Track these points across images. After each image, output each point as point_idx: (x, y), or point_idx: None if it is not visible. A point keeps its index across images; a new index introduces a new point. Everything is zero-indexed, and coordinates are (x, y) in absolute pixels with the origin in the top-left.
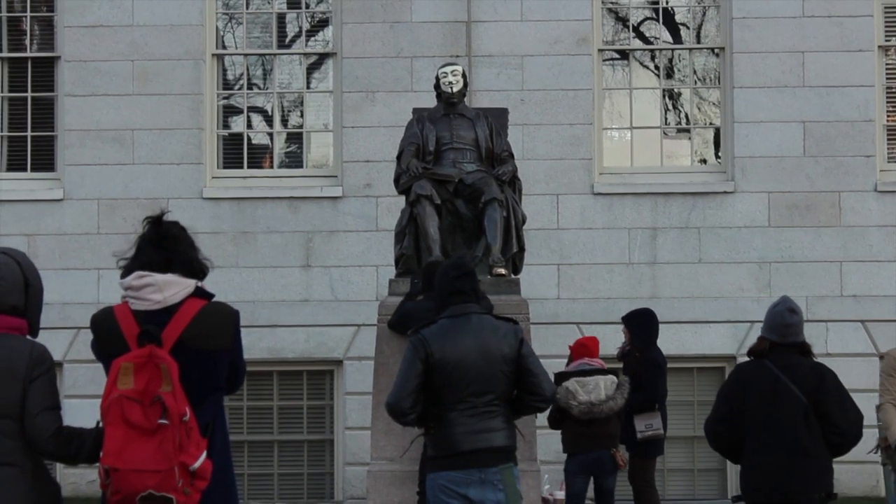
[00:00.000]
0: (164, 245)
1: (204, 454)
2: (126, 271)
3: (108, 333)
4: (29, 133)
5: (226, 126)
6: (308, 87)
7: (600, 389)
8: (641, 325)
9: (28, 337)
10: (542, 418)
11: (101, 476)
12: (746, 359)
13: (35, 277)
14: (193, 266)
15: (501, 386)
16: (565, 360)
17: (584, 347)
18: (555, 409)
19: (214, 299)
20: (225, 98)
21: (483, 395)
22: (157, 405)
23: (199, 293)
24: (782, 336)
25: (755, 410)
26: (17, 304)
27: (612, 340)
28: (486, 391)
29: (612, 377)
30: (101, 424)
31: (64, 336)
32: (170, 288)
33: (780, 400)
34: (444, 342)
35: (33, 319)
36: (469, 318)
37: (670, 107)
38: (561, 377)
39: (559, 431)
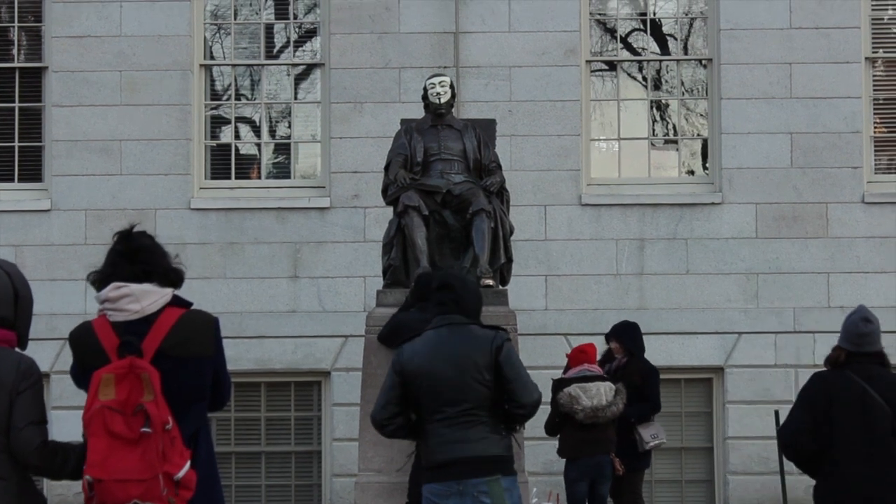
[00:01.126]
0: (139, 258)
1: (188, 463)
2: (101, 285)
3: (87, 348)
4: (16, 143)
5: (213, 136)
6: (296, 98)
7: (602, 395)
8: (634, 336)
9: (16, 349)
10: (532, 428)
11: (84, 489)
12: (734, 370)
13: (25, 289)
14: (170, 275)
15: (477, 395)
16: (553, 371)
17: (584, 354)
18: (554, 414)
19: (193, 307)
20: (213, 108)
21: (457, 405)
22: (139, 415)
23: (177, 302)
24: (857, 345)
25: (842, 421)
26: (6, 316)
27: (600, 352)
28: (460, 400)
29: (609, 384)
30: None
31: (51, 347)
32: (147, 297)
33: (869, 410)
34: (415, 354)
35: (22, 331)
36: (449, 328)
37: (658, 118)
38: (561, 383)
39: (554, 440)
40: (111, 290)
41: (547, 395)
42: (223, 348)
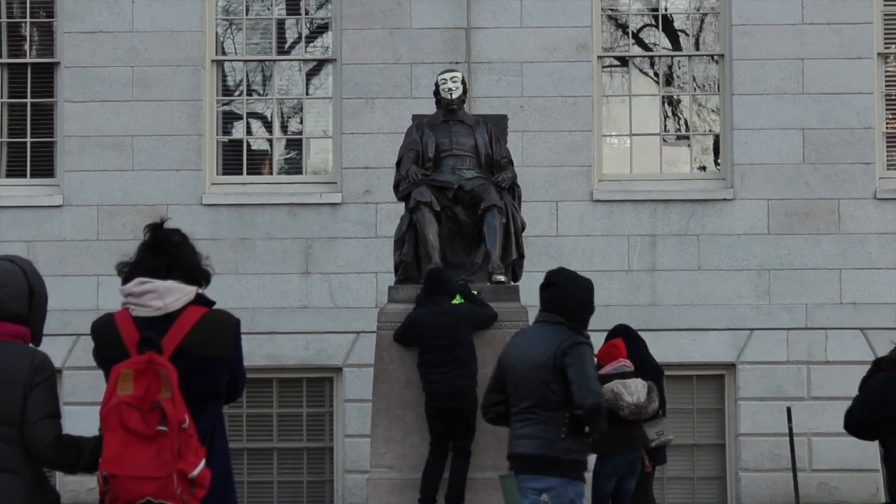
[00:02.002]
0: (165, 251)
1: (203, 462)
2: (127, 278)
3: (108, 340)
4: (28, 139)
5: (225, 132)
6: (307, 94)
7: (641, 392)
8: (635, 337)
9: (30, 345)
10: None
11: (99, 483)
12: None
13: (39, 285)
14: (194, 273)
15: (538, 393)
16: None
17: (616, 349)
18: None
19: (215, 307)
20: (224, 104)
21: (523, 401)
22: (156, 412)
23: (200, 300)
24: None
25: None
26: (20, 312)
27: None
28: (525, 397)
29: (642, 381)
30: (100, 432)
31: (63, 343)
32: (170, 294)
33: None
34: (509, 347)
35: (36, 328)
36: (536, 326)
37: (669, 114)
38: (602, 380)
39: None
40: (135, 284)
41: None
42: (242, 347)
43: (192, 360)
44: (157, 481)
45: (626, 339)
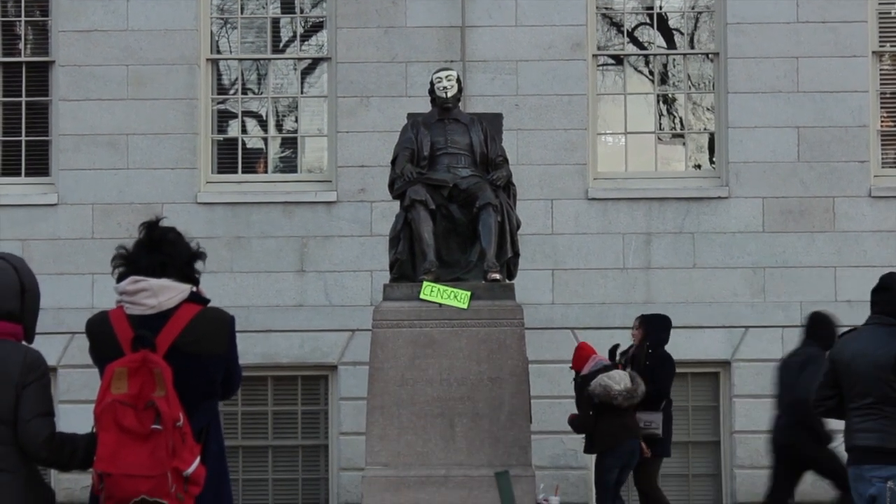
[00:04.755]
0: (160, 249)
1: (197, 460)
2: (120, 277)
3: (102, 338)
4: (23, 137)
5: (220, 131)
6: (302, 92)
7: (625, 379)
8: (661, 328)
9: (23, 343)
10: (539, 423)
11: (94, 481)
12: (741, 364)
13: (32, 283)
14: (187, 271)
15: (881, 391)
16: (560, 366)
17: (585, 349)
18: (587, 408)
19: (210, 304)
20: (219, 103)
21: (865, 397)
22: (150, 410)
23: (195, 298)
24: None
25: None
26: (12, 310)
27: (607, 345)
28: (867, 393)
29: (621, 371)
30: (94, 430)
31: (58, 341)
32: (165, 293)
33: None
34: (843, 346)
35: (29, 325)
36: (872, 326)
37: (664, 112)
38: (585, 380)
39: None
40: (129, 283)
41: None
42: (237, 345)
43: (186, 358)
44: (152, 480)
45: (649, 327)
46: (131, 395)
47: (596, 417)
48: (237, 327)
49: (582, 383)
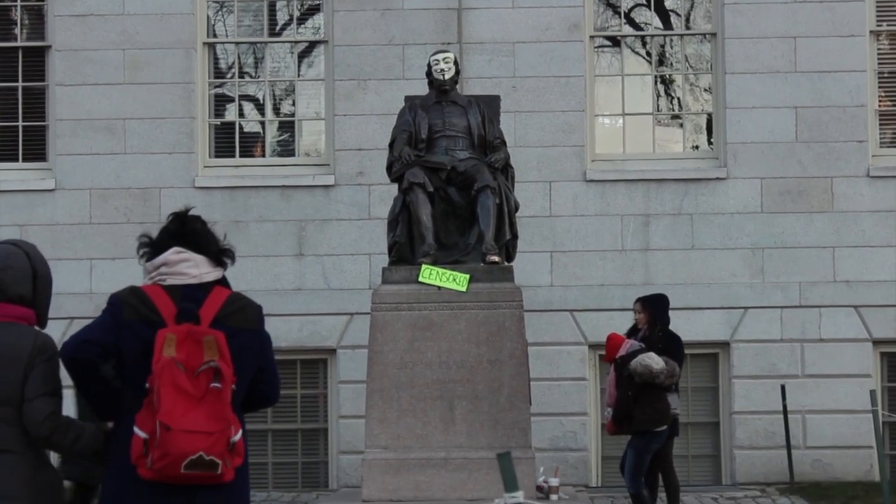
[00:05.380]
0: (188, 239)
1: (241, 431)
2: (153, 255)
3: (143, 305)
4: (20, 123)
5: (217, 115)
6: (299, 76)
7: (660, 360)
8: (662, 307)
9: (35, 327)
10: (539, 405)
11: (136, 447)
12: (740, 344)
13: (44, 268)
14: (220, 257)
15: None
16: (559, 348)
17: (618, 337)
18: (627, 389)
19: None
20: (216, 87)
21: None
22: (205, 373)
23: (223, 283)
24: None
25: None
26: (24, 294)
27: (606, 327)
28: None
29: (653, 353)
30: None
31: (57, 326)
32: (204, 265)
33: None
34: None
35: (41, 310)
36: None
37: (662, 93)
38: (624, 361)
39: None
40: (172, 253)
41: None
42: (270, 337)
43: (229, 330)
44: (211, 436)
45: (652, 308)
46: (181, 360)
47: (636, 398)
48: None
49: (621, 364)
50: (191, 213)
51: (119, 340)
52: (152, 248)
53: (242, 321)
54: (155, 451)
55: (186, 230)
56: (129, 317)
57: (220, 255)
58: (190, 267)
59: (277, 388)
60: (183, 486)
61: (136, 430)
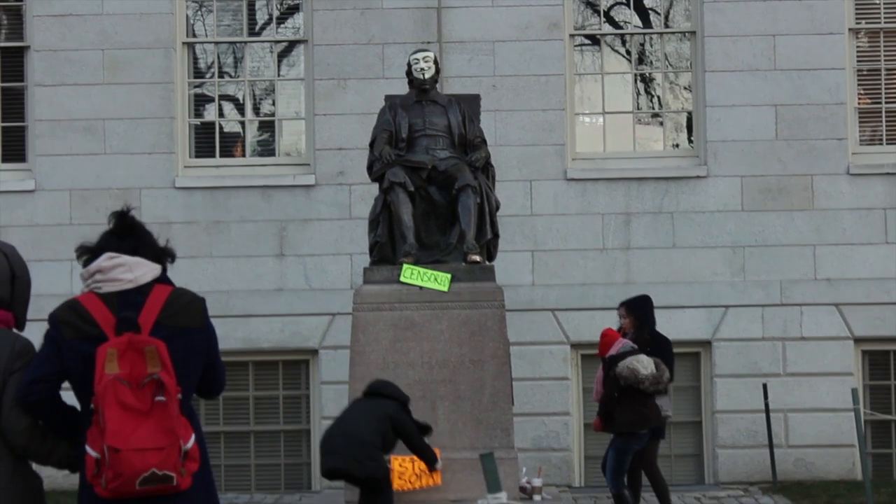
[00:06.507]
0: (130, 234)
1: (193, 436)
2: (90, 260)
3: (81, 320)
4: None
5: (197, 115)
6: (279, 75)
7: (650, 364)
8: (647, 309)
9: (13, 330)
10: (521, 405)
11: (89, 467)
12: (721, 343)
13: (22, 270)
14: (158, 253)
15: None
16: (540, 347)
17: (613, 333)
18: (612, 390)
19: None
20: (196, 87)
21: None
22: (147, 387)
23: (163, 279)
24: None
25: None
26: (2, 297)
27: (588, 327)
28: None
29: (646, 356)
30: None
31: (36, 328)
32: (139, 268)
33: None
34: None
35: (19, 312)
36: None
37: (642, 91)
38: (613, 360)
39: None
40: (104, 259)
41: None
42: (214, 330)
43: (170, 331)
44: (161, 452)
45: (637, 311)
46: (125, 375)
47: (619, 399)
48: (217, 312)
49: (610, 363)
50: (131, 213)
51: (63, 363)
52: (91, 253)
53: (186, 320)
54: (108, 471)
55: (125, 224)
56: (68, 336)
57: (160, 255)
58: (124, 272)
59: (223, 381)
60: (142, 499)
61: (87, 448)
